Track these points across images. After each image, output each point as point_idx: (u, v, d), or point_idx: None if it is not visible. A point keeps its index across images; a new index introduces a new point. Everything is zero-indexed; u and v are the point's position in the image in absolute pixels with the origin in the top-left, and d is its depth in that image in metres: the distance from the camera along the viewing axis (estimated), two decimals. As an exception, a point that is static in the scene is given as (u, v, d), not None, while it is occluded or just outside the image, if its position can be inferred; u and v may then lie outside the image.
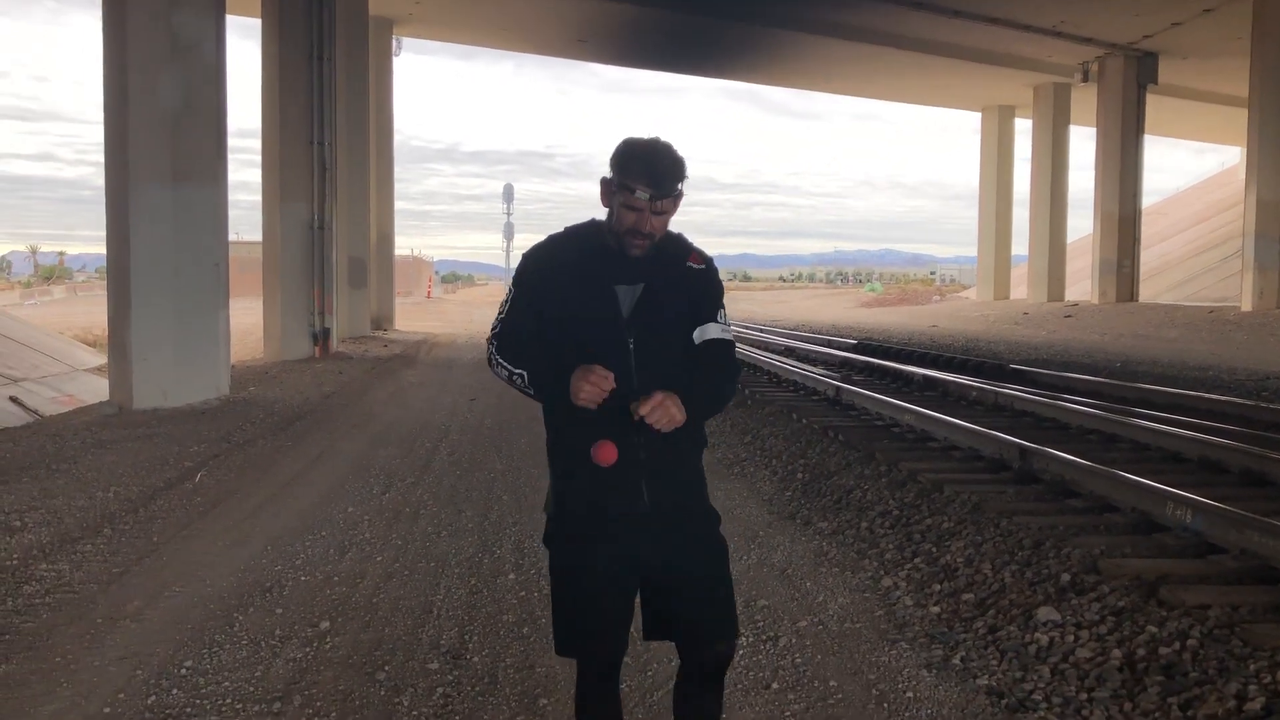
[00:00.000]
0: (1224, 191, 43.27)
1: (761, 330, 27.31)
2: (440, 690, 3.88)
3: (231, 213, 13.91)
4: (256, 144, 18.96)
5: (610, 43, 34.10)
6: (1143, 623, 4.25)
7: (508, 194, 71.56)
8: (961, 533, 5.83)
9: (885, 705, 3.77)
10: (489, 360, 2.65)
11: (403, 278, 52.42)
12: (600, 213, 2.64)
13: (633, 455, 2.52)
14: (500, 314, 2.64)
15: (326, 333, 18.64)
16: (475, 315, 41.36)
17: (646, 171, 2.48)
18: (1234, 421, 9.71)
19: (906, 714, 3.68)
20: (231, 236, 14.44)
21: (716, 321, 2.63)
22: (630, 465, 2.53)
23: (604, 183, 2.57)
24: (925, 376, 13.62)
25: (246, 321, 21.62)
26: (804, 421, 10.36)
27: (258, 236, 19.53)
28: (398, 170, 30.17)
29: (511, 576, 5.36)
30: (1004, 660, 4.11)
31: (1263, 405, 10.59)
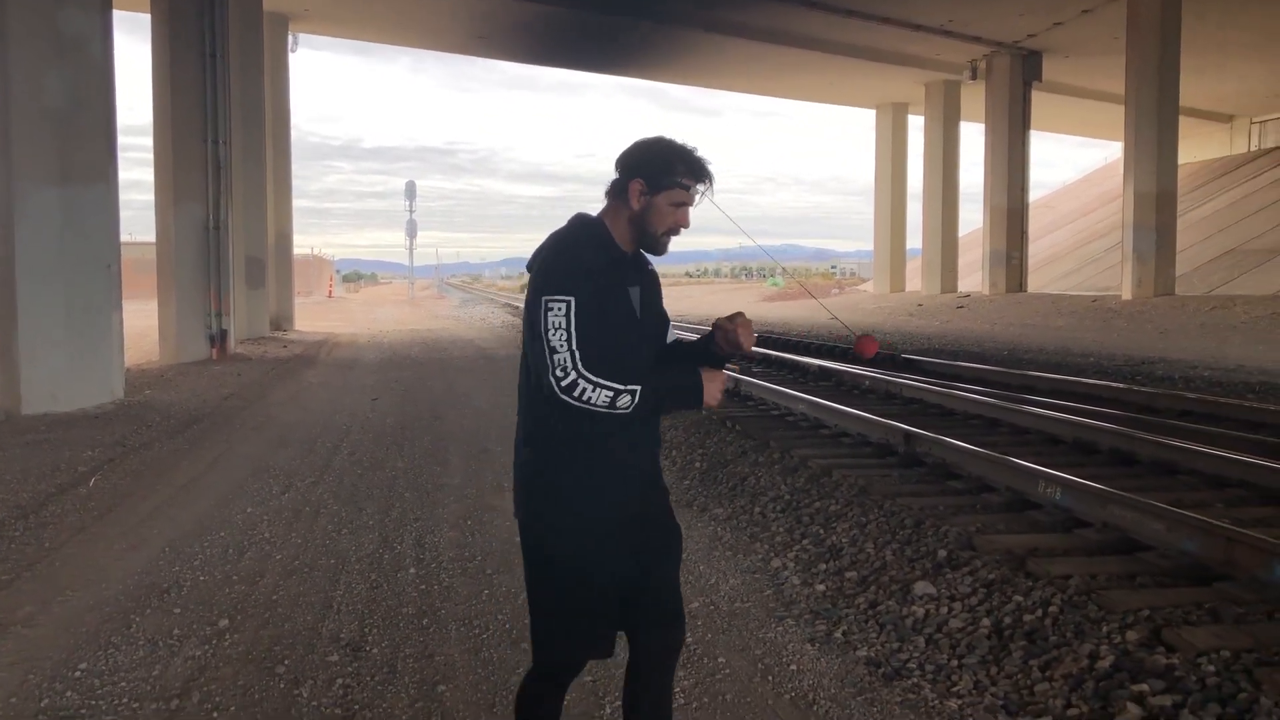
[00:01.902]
0: (1108, 184, 44.95)
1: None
2: (340, 681, 3.96)
3: (125, 213, 13.61)
4: (150, 142, 18.50)
5: (511, 39, 33.99)
6: (1010, 593, 4.53)
7: (410, 191, 70.82)
8: (848, 515, 6.09)
9: (770, 678, 3.97)
10: (569, 391, 2.46)
11: (303, 277, 51.53)
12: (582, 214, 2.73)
13: (638, 461, 2.67)
14: (564, 333, 2.46)
15: (224, 334, 18.30)
16: (378, 314, 40.88)
17: (695, 169, 2.62)
18: (1108, 405, 10.23)
19: (789, 686, 3.88)
20: (125, 237, 14.11)
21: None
22: (636, 470, 2.67)
23: (631, 185, 2.60)
24: (821, 367, 13.99)
25: (142, 324, 21.07)
26: (703, 413, 10.59)
27: (153, 237, 19.06)
28: (296, 167, 29.72)
29: (412, 571, 5.44)
30: (883, 632, 4.35)
31: (1134, 389, 11.16)
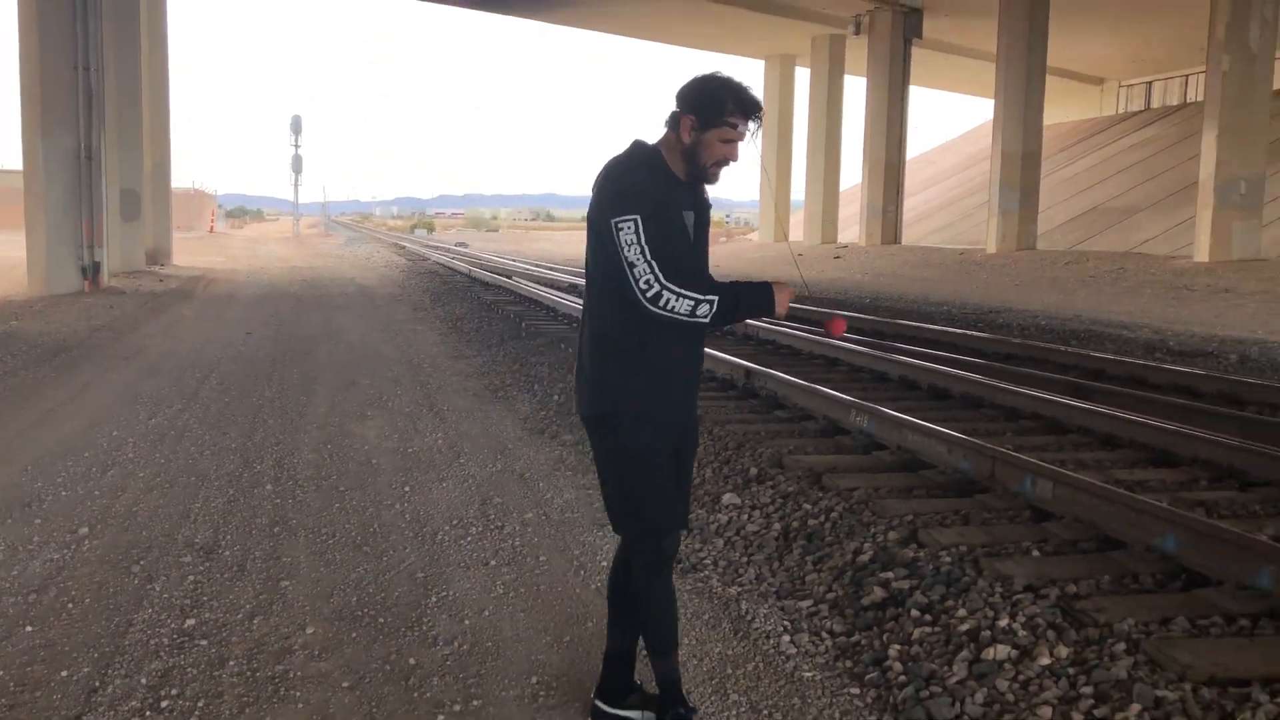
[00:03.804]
0: (983, 142, 46.36)
1: (552, 268, 27.92)
2: (191, 578, 4.35)
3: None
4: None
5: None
6: (802, 503, 5.15)
7: (295, 125, 69.06)
8: (680, 440, 6.66)
9: (582, 573, 4.50)
10: (655, 302, 2.71)
11: (183, 212, 50.16)
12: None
13: (694, 369, 2.98)
14: (638, 248, 2.70)
15: (97, 267, 18.05)
16: (261, 251, 40.24)
17: (747, 105, 2.79)
18: (942, 348, 11.02)
19: (597, 578, 4.42)
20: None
21: None
22: (686, 376, 2.95)
23: (683, 120, 2.80)
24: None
25: (12, 255, 20.55)
26: (571, 350, 11.06)
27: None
28: (180, 97, 28.87)
29: (269, 488, 5.81)
30: (689, 536, 4.91)
31: (971, 334, 12.02)
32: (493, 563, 4.62)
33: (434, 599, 4.16)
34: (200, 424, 7.43)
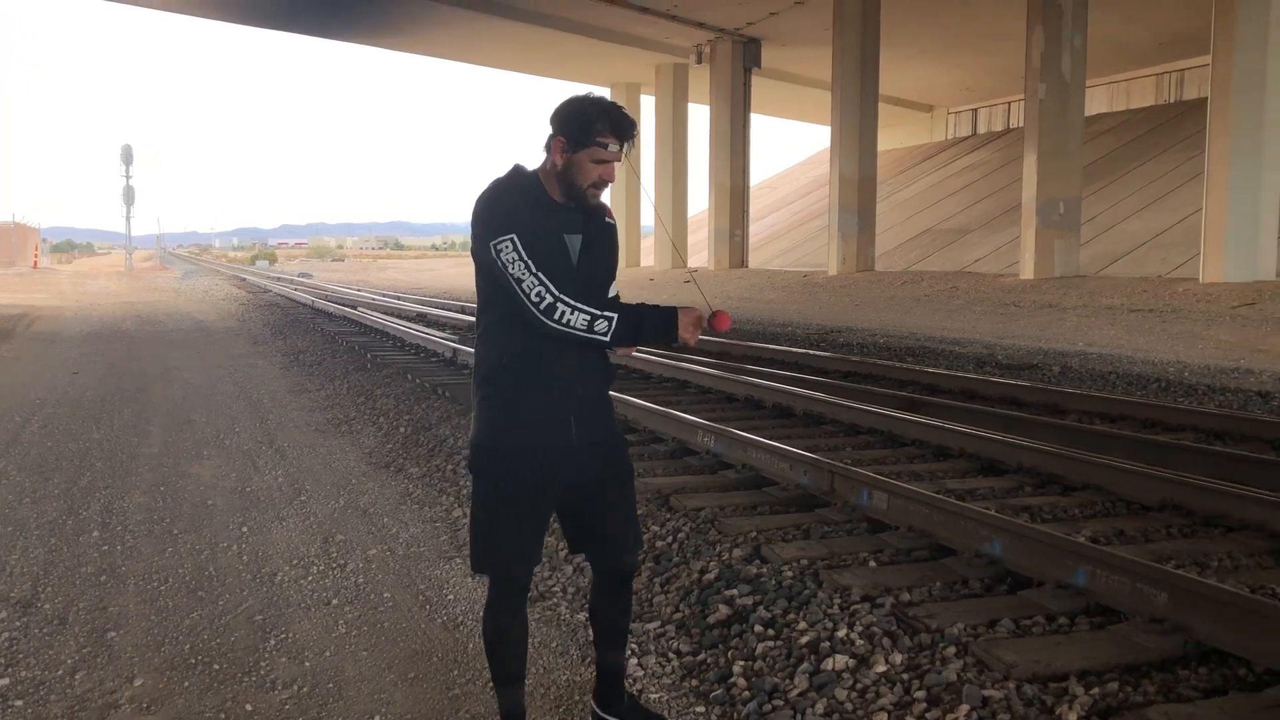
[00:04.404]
0: (823, 168, 47.99)
1: (400, 297, 27.50)
2: (5, 635, 4.08)
3: None
4: None
5: (237, 1, 32.62)
6: (650, 524, 5.19)
7: (126, 155, 66.18)
8: (529, 468, 6.63)
9: (428, 607, 4.42)
10: (550, 314, 2.68)
11: (2, 247, 47.46)
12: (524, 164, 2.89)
13: (568, 393, 2.82)
14: (522, 264, 2.67)
15: (-98, 307, 16.87)
16: (91, 287, 38.31)
17: (615, 126, 2.74)
18: (788, 368, 11.31)
19: (444, 612, 4.35)
20: None
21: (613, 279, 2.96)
22: (564, 401, 2.82)
23: (555, 141, 2.77)
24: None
25: None
26: (418, 381, 10.90)
27: None
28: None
29: (96, 534, 5.52)
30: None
31: (814, 353, 12.37)
32: (334, 602, 4.50)
33: (273, 642, 4.02)
34: (19, 470, 7.01)
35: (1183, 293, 19.80)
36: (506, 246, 2.68)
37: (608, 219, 2.94)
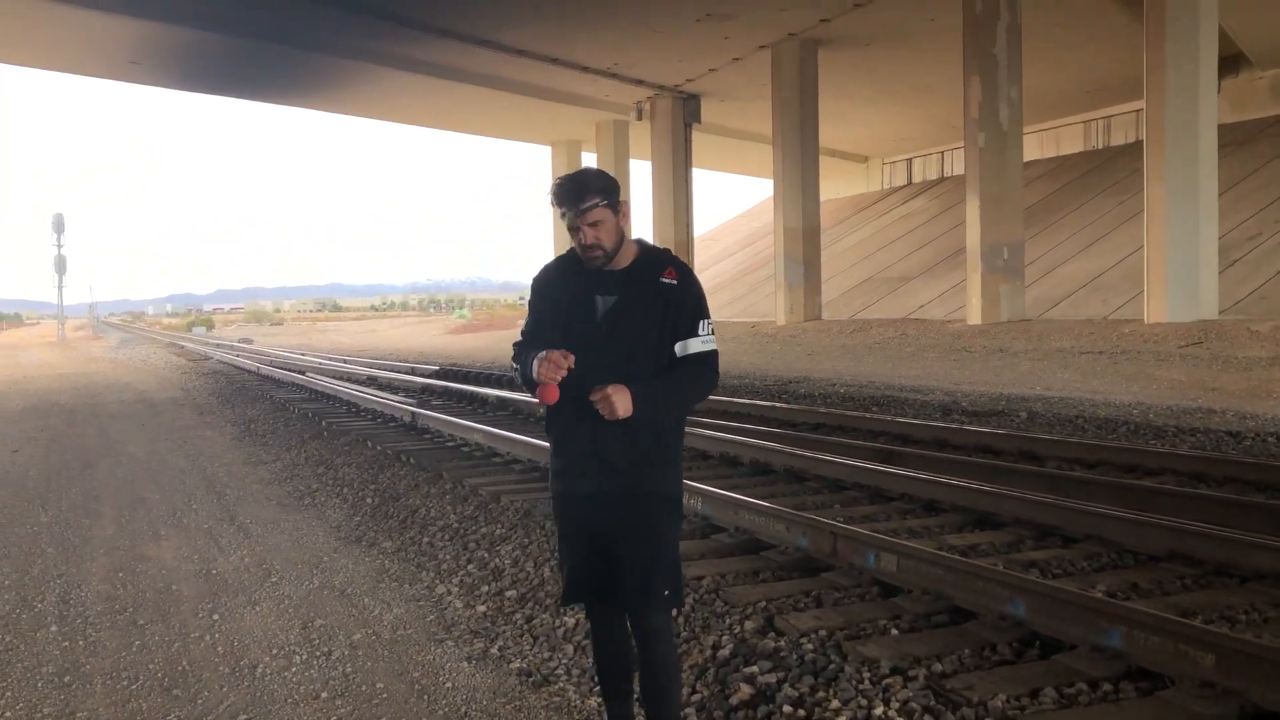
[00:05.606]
0: (765, 219, 48.45)
1: (347, 360, 27.04)
2: (-34, 750, 3.75)
3: None
4: None
5: (169, 65, 32.20)
6: (650, 597, 4.96)
7: (58, 224, 64.83)
8: (512, 537, 6.38)
9: (426, 698, 4.14)
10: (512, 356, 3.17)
11: (-73, 320, 45.97)
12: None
13: (583, 441, 3.01)
14: (528, 318, 3.19)
15: None
16: (23, 358, 37.26)
17: (559, 196, 2.98)
18: (756, 422, 11.18)
19: (444, 702, 4.08)
20: None
21: (697, 335, 3.03)
22: (579, 449, 3.04)
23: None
24: (499, 397, 14.30)
25: None
26: (379, 448, 10.58)
27: None
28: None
29: (54, 629, 5.15)
30: (536, 644, 4.64)
31: (778, 406, 12.27)
32: (324, 695, 4.20)
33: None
34: (-37, 561, 6.58)
35: (1129, 334, 20.08)
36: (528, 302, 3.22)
37: (664, 279, 3.03)
